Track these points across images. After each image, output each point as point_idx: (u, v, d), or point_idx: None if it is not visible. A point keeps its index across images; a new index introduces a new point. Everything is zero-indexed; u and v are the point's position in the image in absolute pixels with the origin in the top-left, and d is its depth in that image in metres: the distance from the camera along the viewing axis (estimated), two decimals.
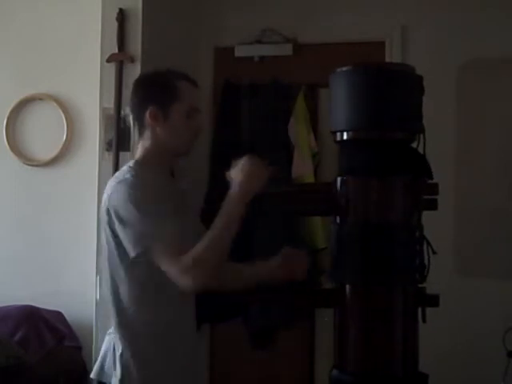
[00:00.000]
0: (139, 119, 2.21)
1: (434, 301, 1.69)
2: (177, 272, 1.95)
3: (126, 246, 2.04)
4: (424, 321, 1.66)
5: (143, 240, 2.00)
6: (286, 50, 3.83)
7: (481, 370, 3.43)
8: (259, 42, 3.87)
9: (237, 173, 2.05)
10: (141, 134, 2.23)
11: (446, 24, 3.65)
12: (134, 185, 2.07)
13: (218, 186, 3.69)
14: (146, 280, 2.07)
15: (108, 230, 2.12)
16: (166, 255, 1.97)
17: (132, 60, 3.39)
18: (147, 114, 2.16)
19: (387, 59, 3.62)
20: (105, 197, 2.17)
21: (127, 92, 3.37)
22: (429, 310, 1.69)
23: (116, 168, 3.35)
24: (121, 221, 2.05)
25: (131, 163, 2.20)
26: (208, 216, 2.10)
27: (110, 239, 2.11)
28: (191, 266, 1.92)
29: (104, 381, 2.16)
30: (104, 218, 2.14)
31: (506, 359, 3.09)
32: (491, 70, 3.60)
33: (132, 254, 2.02)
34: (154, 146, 2.18)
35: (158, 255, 1.99)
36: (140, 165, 2.17)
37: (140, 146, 2.23)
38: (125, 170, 2.17)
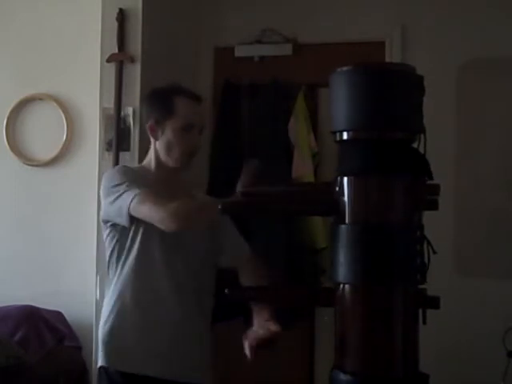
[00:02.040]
0: (146, 131, 2.37)
1: (434, 303, 1.69)
2: (158, 214, 2.13)
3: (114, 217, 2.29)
4: (424, 323, 1.66)
5: (121, 210, 2.21)
6: (286, 49, 3.83)
7: (481, 370, 3.43)
8: (259, 42, 3.87)
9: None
10: (148, 145, 2.41)
11: (446, 24, 3.66)
12: (116, 169, 2.40)
13: (218, 187, 3.70)
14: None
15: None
16: (147, 202, 2.15)
17: (132, 60, 3.38)
18: (147, 128, 2.34)
19: (387, 59, 3.62)
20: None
21: (127, 92, 3.39)
22: (429, 310, 1.69)
23: None
24: (105, 192, 2.31)
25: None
26: None
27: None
28: (175, 208, 2.11)
29: None
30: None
31: (506, 359, 3.09)
32: (491, 70, 3.60)
33: (128, 200, 2.19)
34: (155, 159, 2.35)
35: (138, 206, 2.16)
36: (135, 168, 2.41)
37: (147, 157, 2.41)
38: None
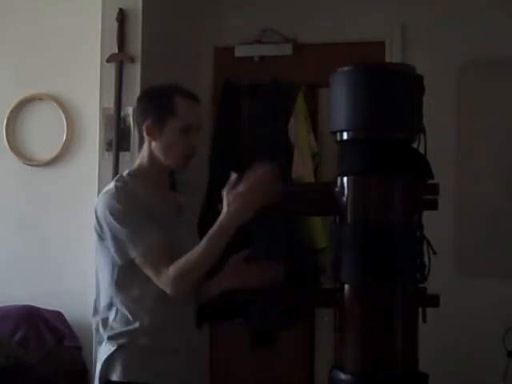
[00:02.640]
0: (140, 131, 2.28)
1: (434, 301, 1.69)
2: (160, 283, 2.08)
3: (113, 255, 2.13)
4: (424, 321, 1.66)
5: (127, 253, 2.09)
6: (286, 49, 3.83)
7: (481, 370, 3.43)
8: (259, 42, 3.87)
9: (228, 197, 2.05)
10: (140, 145, 2.30)
11: (446, 24, 3.66)
12: (114, 196, 2.13)
13: (217, 187, 3.70)
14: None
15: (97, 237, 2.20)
16: (150, 267, 2.08)
17: (132, 60, 3.39)
18: (144, 128, 2.22)
19: (387, 59, 3.62)
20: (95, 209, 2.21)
21: (127, 92, 3.39)
22: (429, 309, 1.69)
23: (116, 168, 3.35)
24: (104, 232, 2.14)
25: (125, 172, 2.26)
26: (204, 227, 2.13)
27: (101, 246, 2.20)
28: (171, 281, 2.05)
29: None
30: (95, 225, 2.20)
31: (506, 359, 3.09)
32: (491, 69, 3.60)
33: (119, 262, 2.12)
34: (150, 159, 2.23)
35: (142, 266, 2.09)
36: (131, 176, 2.22)
37: (139, 157, 2.29)
38: (115, 179, 2.23)
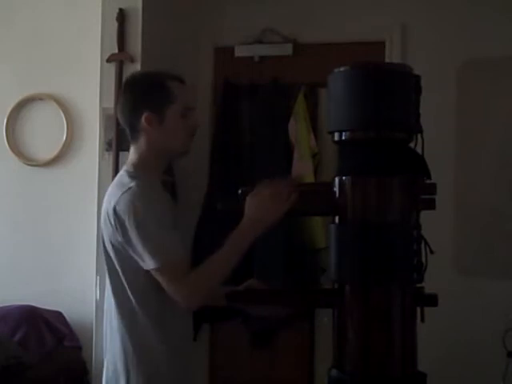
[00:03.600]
0: (132, 124, 2.16)
1: (432, 300, 1.69)
2: (176, 294, 1.98)
3: (137, 259, 2.01)
4: (422, 320, 1.66)
5: (157, 256, 1.98)
6: (286, 49, 3.83)
7: (481, 370, 3.43)
8: (259, 41, 3.87)
9: (251, 203, 1.98)
10: (133, 138, 2.18)
11: (446, 24, 3.66)
12: (139, 196, 2.02)
13: (217, 186, 3.70)
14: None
15: (112, 238, 2.09)
16: (170, 277, 1.98)
17: (132, 60, 3.39)
18: (142, 119, 2.11)
19: (387, 59, 3.62)
20: (107, 206, 2.11)
21: None
22: (428, 309, 1.69)
23: (116, 168, 3.35)
24: (128, 234, 2.02)
25: (130, 168, 2.16)
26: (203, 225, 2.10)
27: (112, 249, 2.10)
28: (189, 293, 1.97)
29: None
30: (107, 226, 2.10)
31: (505, 359, 3.09)
32: (491, 69, 3.60)
33: (147, 266, 1.99)
34: (150, 150, 2.14)
35: (161, 275, 1.98)
36: (139, 171, 2.12)
37: (133, 151, 2.19)
38: (124, 176, 2.13)
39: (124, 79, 2.32)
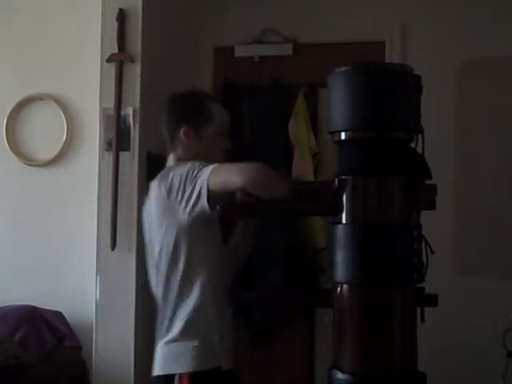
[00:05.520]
0: (172, 134, 2.42)
1: (432, 301, 1.69)
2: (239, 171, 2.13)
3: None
4: (422, 320, 1.66)
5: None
6: (286, 49, 3.83)
7: (481, 370, 3.43)
8: (259, 41, 3.87)
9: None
10: (171, 146, 2.44)
11: (445, 24, 3.66)
12: (193, 164, 2.24)
13: None
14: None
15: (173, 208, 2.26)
16: (220, 166, 2.18)
17: (132, 60, 3.38)
18: (181, 132, 2.37)
19: (387, 59, 3.62)
20: (161, 189, 2.30)
21: (127, 92, 3.39)
22: (428, 309, 1.69)
23: (116, 168, 3.35)
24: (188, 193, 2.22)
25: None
26: None
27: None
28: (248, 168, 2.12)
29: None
30: (167, 205, 2.28)
31: (506, 359, 3.09)
32: (491, 69, 3.60)
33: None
34: (187, 157, 2.35)
35: (215, 178, 2.16)
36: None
37: (172, 158, 2.43)
38: (171, 165, 2.39)
39: (171, 95, 2.54)
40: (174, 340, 2.33)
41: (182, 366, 2.30)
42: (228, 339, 2.38)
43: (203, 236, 2.28)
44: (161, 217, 2.32)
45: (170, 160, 2.44)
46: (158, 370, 2.36)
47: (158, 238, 2.34)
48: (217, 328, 2.32)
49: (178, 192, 2.24)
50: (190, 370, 2.29)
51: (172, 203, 2.26)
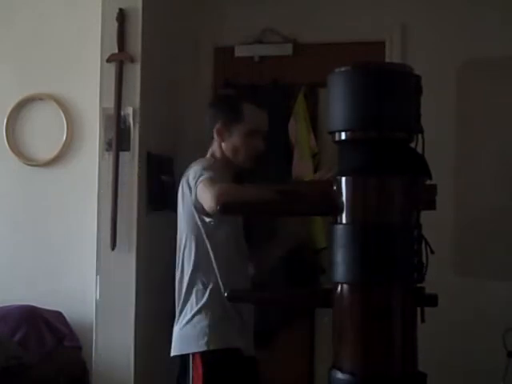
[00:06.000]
0: (210, 132, 2.60)
1: (432, 300, 1.69)
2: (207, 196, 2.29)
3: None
4: (423, 321, 1.66)
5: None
6: (286, 49, 3.83)
7: (481, 370, 3.43)
8: (259, 41, 3.87)
9: None
10: (210, 143, 2.64)
11: (446, 24, 3.66)
12: (204, 166, 2.46)
13: None
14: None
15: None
16: (204, 184, 2.34)
17: (132, 60, 3.38)
18: (215, 130, 2.56)
19: (387, 59, 3.62)
20: (181, 184, 2.56)
21: (127, 92, 3.39)
22: (428, 309, 1.69)
23: (116, 168, 3.35)
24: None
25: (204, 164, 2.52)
26: None
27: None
28: (216, 193, 2.24)
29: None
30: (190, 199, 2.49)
31: (506, 359, 3.09)
32: (491, 70, 3.60)
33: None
34: (220, 155, 2.58)
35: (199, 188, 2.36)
36: (210, 168, 2.47)
37: (209, 153, 2.63)
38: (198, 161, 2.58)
39: (213, 95, 2.85)
40: (188, 322, 2.50)
41: (194, 347, 2.46)
42: (249, 326, 2.56)
43: (212, 230, 2.48)
44: (180, 208, 2.56)
45: (207, 157, 2.63)
46: (173, 351, 2.56)
47: (180, 226, 2.58)
48: (235, 313, 2.49)
49: (188, 189, 2.48)
50: (202, 349, 2.44)
51: (187, 198, 2.49)
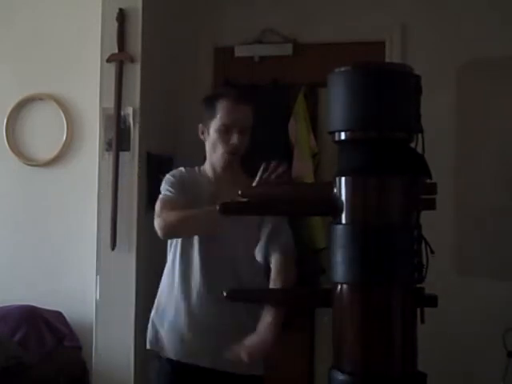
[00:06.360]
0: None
1: (432, 301, 1.69)
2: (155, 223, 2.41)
3: None
4: (422, 321, 1.66)
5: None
6: (286, 49, 3.83)
7: (481, 370, 3.43)
8: (259, 41, 3.87)
9: None
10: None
11: (446, 24, 3.66)
12: (171, 174, 2.52)
13: None
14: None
15: None
16: (156, 206, 2.44)
17: (132, 60, 3.39)
18: (199, 132, 2.51)
19: (387, 59, 3.62)
20: None
21: (127, 92, 3.39)
22: (428, 309, 1.69)
23: (116, 168, 3.36)
24: None
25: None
26: None
27: None
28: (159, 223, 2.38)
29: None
30: None
31: (506, 359, 3.09)
32: (491, 69, 3.60)
33: None
34: (207, 159, 2.52)
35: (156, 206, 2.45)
36: (186, 169, 2.55)
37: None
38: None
39: None
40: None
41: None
42: (208, 336, 2.42)
43: None
44: None
45: None
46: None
47: None
48: (184, 321, 2.44)
49: None
50: (148, 347, 2.52)
51: None
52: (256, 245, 2.46)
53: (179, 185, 2.47)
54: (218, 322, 2.41)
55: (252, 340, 2.28)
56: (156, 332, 2.50)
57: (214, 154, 2.46)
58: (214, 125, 2.42)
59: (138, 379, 3.38)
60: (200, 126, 2.49)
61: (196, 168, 2.57)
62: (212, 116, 2.43)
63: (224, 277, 2.39)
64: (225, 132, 2.41)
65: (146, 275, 3.40)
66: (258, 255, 2.47)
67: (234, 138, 2.42)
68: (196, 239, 2.43)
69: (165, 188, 2.48)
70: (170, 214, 2.38)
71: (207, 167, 2.53)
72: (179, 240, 2.46)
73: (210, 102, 2.46)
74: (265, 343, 2.27)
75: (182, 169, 2.57)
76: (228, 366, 2.39)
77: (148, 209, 3.45)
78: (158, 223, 2.39)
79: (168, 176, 2.52)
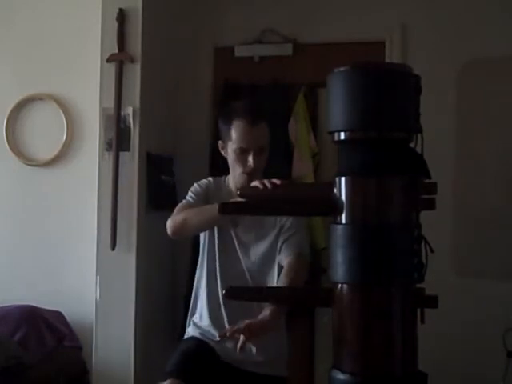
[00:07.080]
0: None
1: (432, 302, 1.69)
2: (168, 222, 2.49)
3: None
4: (422, 322, 1.66)
5: None
6: (286, 49, 3.83)
7: (481, 370, 3.43)
8: (259, 42, 3.87)
9: None
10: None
11: (445, 24, 3.66)
12: (197, 184, 2.61)
13: None
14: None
15: None
16: (176, 208, 2.54)
17: (132, 60, 3.39)
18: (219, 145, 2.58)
19: (387, 59, 3.62)
20: None
21: (127, 92, 3.39)
22: (429, 310, 1.69)
23: (116, 168, 3.36)
24: None
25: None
26: None
27: None
28: (169, 222, 2.48)
29: None
30: None
31: (506, 359, 3.09)
32: (491, 69, 3.60)
33: None
34: (230, 170, 2.57)
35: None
36: (212, 180, 2.64)
37: None
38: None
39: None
40: None
41: None
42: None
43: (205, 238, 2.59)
44: None
45: None
46: None
47: None
48: (208, 313, 2.53)
49: None
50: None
51: None
52: (275, 258, 2.51)
53: (203, 195, 2.56)
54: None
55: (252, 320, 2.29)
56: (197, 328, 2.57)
57: (234, 173, 2.53)
58: (231, 145, 2.47)
59: (138, 379, 3.38)
60: (219, 142, 2.55)
61: (223, 177, 2.63)
62: (228, 136, 2.48)
63: (242, 282, 2.48)
64: (241, 154, 2.46)
65: (145, 275, 3.40)
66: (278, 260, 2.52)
67: (250, 160, 2.47)
68: (217, 251, 2.51)
69: (189, 195, 2.58)
70: (180, 214, 2.48)
71: (231, 180, 2.59)
72: (205, 251, 2.55)
73: (225, 122, 2.50)
74: (264, 322, 2.25)
75: (210, 179, 2.65)
76: (252, 365, 2.46)
77: (148, 209, 3.45)
78: (168, 223, 2.48)
79: (195, 184, 2.61)
